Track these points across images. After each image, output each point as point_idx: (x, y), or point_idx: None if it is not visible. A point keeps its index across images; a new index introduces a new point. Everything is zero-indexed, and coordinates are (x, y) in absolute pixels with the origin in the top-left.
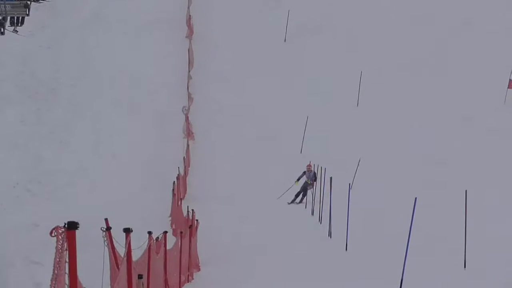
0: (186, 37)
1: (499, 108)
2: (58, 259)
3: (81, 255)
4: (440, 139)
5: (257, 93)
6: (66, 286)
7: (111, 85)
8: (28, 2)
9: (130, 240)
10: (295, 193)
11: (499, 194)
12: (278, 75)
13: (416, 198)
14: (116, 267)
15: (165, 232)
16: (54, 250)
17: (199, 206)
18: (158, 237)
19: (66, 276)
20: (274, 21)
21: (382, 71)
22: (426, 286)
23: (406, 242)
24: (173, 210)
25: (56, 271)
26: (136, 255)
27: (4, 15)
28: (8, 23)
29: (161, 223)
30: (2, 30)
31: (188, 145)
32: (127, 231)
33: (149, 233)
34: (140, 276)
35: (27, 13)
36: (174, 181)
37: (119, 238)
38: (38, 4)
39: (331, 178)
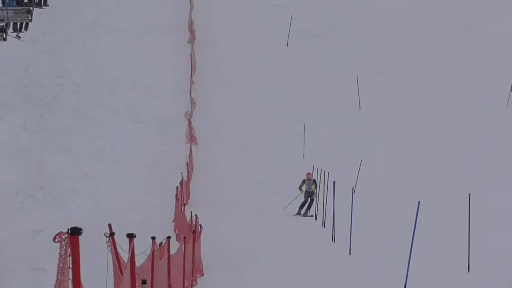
0: (188, 42)
1: (502, 112)
2: (61, 265)
3: (85, 261)
4: (443, 143)
5: (259, 98)
6: None
7: (114, 91)
8: (31, 8)
9: (133, 246)
10: (299, 204)
11: (502, 197)
12: (281, 79)
13: (419, 202)
14: (119, 273)
15: (169, 237)
16: (58, 256)
17: (203, 211)
18: (161, 242)
19: (70, 282)
20: (276, 26)
21: (384, 75)
22: None
23: (410, 246)
24: (177, 215)
25: (59, 277)
26: (139, 261)
27: (6, 21)
28: (11, 29)
29: (164, 229)
30: (4, 36)
31: (191, 150)
32: (131, 236)
33: (153, 238)
34: (143, 282)
35: (30, 19)
36: (177, 186)
37: (122, 244)
38: (41, 9)
39: (334, 182)
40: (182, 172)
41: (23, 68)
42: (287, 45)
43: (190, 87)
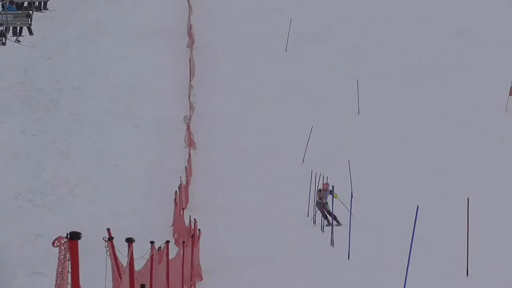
0: (187, 46)
1: (501, 116)
2: (60, 269)
3: (84, 265)
4: (441, 146)
5: (258, 102)
6: None
7: (112, 95)
8: (31, 12)
9: (132, 250)
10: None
11: (501, 201)
12: (279, 83)
13: (418, 207)
14: (118, 277)
15: (167, 242)
16: (57, 260)
17: (201, 215)
18: (160, 247)
19: (69, 286)
20: (275, 30)
21: (384, 78)
22: None
23: (409, 250)
24: (175, 220)
25: (58, 281)
26: (138, 265)
27: (6, 25)
28: (10, 33)
29: (163, 233)
30: (3, 40)
31: (189, 155)
32: (129, 241)
33: (151, 242)
34: (142, 286)
35: (30, 23)
36: (176, 191)
37: (121, 248)
38: (40, 13)
39: (333, 186)
40: (180, 177)
41: (22, 73)
42: (286, 49)
43: (189, 92)
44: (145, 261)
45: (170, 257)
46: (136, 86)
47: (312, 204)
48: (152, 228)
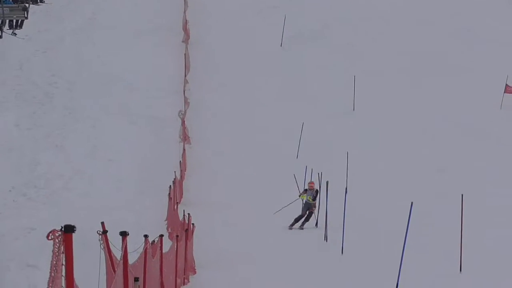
0: (183, 41)
1: (496, 113)
2: (54, 262)
3: (78, 259)
4: (437, 144)
5: (253, 98)
6: None
7: (107, 90)
8: (27, 5)
9: (126, 243)
10: (295, 217)
11: (496, 199)
12: (274, 80)
13: (412, 203)
14: (112, 270)
15: (161, 236)
16: (51, 254)
17: (195, 210)
18: (154, 241)
19: (63, 279)
20: (270, 27)
21: (379, 76)
22: None
23: (402, 246)
24: (169, 214)
25: (52, 274)
26: (132, 258)
27: (2, 18)
28: (6, 26)
29: (157, 227)
30: (0, 34)
31: (184, 149)
32: (124, 234)
33: (145, 236)
34: (136, 279)
35: (26, 16)
36: (170, 185)
37: (115, 242)
38: (36, 7)
39: (327, 182)
40: (175, 171)
41: (17, 66)
42: (281, 45)
43: (184, 87)
44: (138, 255)
45: (163, 251)
46: (131, 81)
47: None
48: (146, 222)
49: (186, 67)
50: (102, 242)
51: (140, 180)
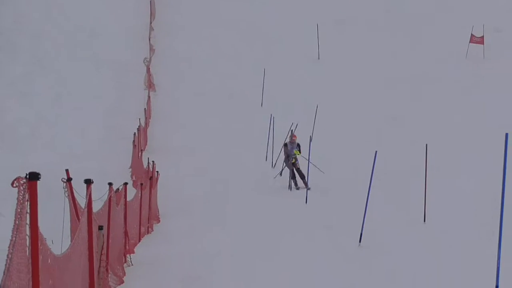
0: None
1: (461, 63)
2: (19, 210)
3: (42, 207)
4: (401, 94)
5: (219, 45)
6: (27, 237)
7: (72, 37)
8: None
9: (90, 191)
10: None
11: (459, 149)
12: (240, 26)
13: (376, 152)
14: (76, 218)
15: (125, 184)
16: (15, 201)
17: (160, 157)
18: (118, 189)
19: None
20: None
21: (344, 25)
22: (385, 238)
23: (366, 196)
24: (134, 162)
25: (17, 222)
26: (96, 207)
27: None
28: None
29: (121, 175)
30: None
31: (149, 97)
32: (88, 182)
33: (110, 184)
34: (100, 227)
35: None
36: (134, 133)
37: (79, 190)
38: None
39: (292, 131)
40: (139, 118)
41: None
42: None
43: (150, 34)
44: (103, 203)
45: (128, 199)
46: (96, 28)
47: (271, 149)
48: (111, 170)
49: (152, 14)
50: (66, 189)
51: (104, 127)
